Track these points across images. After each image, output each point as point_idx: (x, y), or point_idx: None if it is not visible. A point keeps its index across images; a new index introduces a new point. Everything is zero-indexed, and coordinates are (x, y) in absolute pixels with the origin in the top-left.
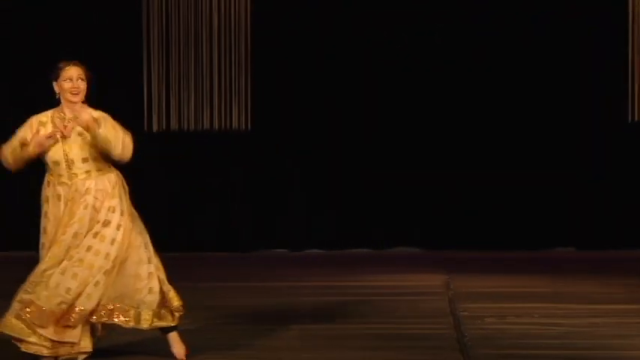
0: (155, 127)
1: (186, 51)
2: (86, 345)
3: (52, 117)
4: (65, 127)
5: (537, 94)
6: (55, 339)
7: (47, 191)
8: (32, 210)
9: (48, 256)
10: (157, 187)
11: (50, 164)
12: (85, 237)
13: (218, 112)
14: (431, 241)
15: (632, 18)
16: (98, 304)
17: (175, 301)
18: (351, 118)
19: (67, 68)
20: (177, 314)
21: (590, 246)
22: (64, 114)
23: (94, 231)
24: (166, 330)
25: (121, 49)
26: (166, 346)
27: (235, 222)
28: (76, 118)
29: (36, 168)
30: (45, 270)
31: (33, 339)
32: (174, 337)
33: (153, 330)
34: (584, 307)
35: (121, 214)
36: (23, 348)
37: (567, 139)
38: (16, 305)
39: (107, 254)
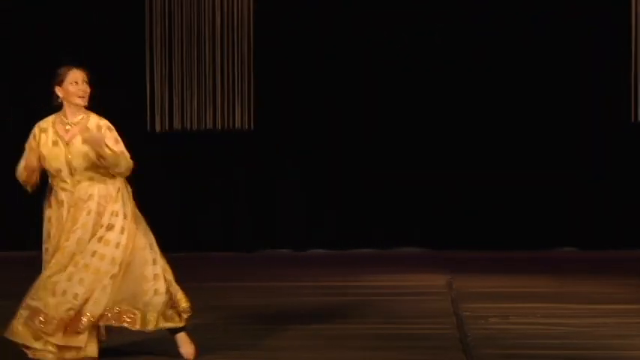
0: (158, 127)
1: (188, 51)
2: (92, 350)
3: (54, 122)
4: (67, 132)
5: (538, 94)
6: (61, 344)
7: (50, 197)
8: (32, 210)
9: (52, 263)
10: (159, 187)
11: (53, 172)
12: (88, 242)
13: (221, 112)
14: (433, 241)
15: (634, 18)
16: (105, 308)
17: (183, 302)
18: (354, 118)
19: (73, 72)
20: (184, 315)
21: (592, 246)
22: (67, 119)
23: (98, 235)
24: (174, 331)
25: (124, 49)
26: (173, 346)
27: (238, 222)
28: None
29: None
30: (49, 276)
31: (38, 345)
32: (182, 338)
33: (160, 330)
34: (586, 307)
35: (124, 217)
36: (30, 354)
37: (570, 139)
38: (22, 312)
39: (112, 258)
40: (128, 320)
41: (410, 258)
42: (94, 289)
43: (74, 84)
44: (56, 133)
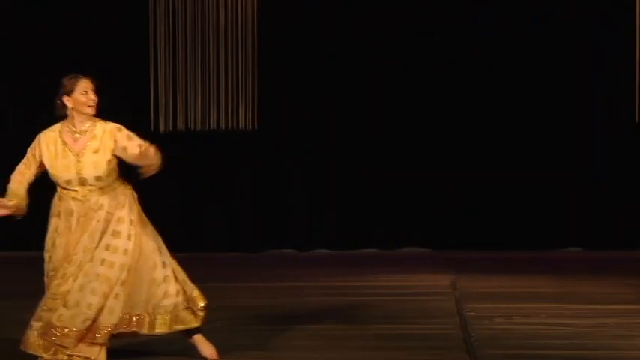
0: (162, 128)
1: (192, 51)
2: (102, 357)
3: (61, 132)
4: (76, 141)
5: (539, 94)
6: (73, 353)
7: (59, 206)
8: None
9: (61, 273)
10: (163, 188)
11: (62, 183)
12: (95, 250)
13: (225, 112)
14: (437, 241)
15: (638, 17)
16: (120, 316)
17: (199, 300)
18: (357, 119)
19: (83, 81)
20: (200, 314)
21: (596, 246)
22: (74, 127)
23: (105, 243)
24: (190, 332)
25: (128, 49)
26: (184, 346)
27: (242, 222)
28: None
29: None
30: (59, 285)
31: (48, 355)
32: (200, 340)
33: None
34: (590, 307)
35: (130, 223)
36: None
37: (571, 140)
38: (34, 323)
39: (121, 265)
40: (137, 325)
41: (412, 258)
42: (107, 297)
43: (84, 93)
44: (64, 143)
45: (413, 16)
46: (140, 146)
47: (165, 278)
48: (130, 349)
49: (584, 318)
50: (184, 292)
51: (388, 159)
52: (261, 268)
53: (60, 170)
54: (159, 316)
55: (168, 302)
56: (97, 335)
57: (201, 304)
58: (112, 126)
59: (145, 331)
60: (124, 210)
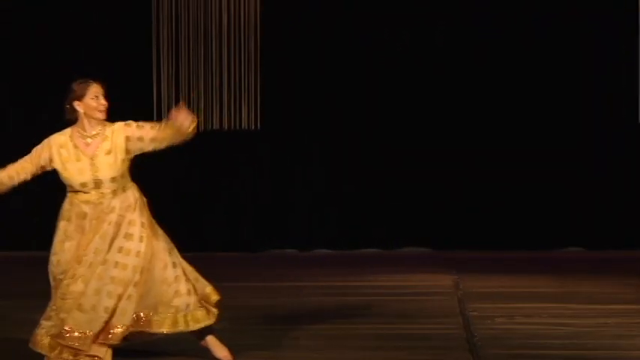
0: None
1: (195, 51)
2: (108, 357)
3: (72, 136)
4: (88, 145)
5: (541, 94)
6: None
7: (70, 210)
8: (32, 210)
9: (70, 274)
10: (165, 188)
11: (76, 186)
12: (108, 253)
13: (227, 112)
14: (440, 241)
15: None
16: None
17: (213, 295)
18: (359, 118)
19: (93, 86)
20: (214, 311)
21: (599, 246)
22: (85, 132)
23: (117, 246)
24: (204, 334)
25: (131, 49)
26: (192, 345)
27: (244, 222)
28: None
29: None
30: (68, 285)
31: (53, 354)
32: (213, 342)
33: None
34: (592, 307)
35: (142, 225)
36: None
37: (572, 140)
38: (44, 323)
39: (134, 267)
40: (148, 325)
41: (414, 258)
42: (120, 299)
43: (95, 98)
44: (76, 147)
45: (414, 16)
46: (153, 127)
47: (176, 278)
48: (133, 349)
49: (584, 318)
50: (196, 290)
51: (389, 159)
52: (261, 268)
53: (74, 173)
54: (170, 316)
55: (179, 302)
56: (109, 336)
57: (215, 298)
58: (119, 124)
59: (156, 330)
60: (134, 213)
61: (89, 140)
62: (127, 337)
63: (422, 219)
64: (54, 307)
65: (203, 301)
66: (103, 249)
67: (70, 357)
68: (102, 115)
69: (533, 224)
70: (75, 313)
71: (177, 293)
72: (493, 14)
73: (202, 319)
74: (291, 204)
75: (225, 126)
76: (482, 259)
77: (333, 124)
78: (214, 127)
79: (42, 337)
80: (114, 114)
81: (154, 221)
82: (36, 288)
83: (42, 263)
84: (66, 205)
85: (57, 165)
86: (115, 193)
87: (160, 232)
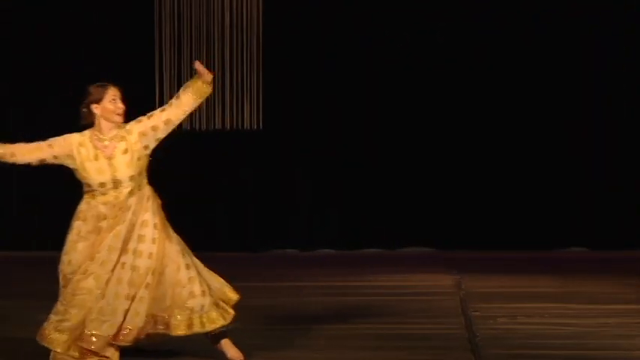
0: None
1: (197, 51)
2: (115, 357)
3: (90, 138)
4: (106, 147)
5: (543, 93)
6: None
7: (87, 211)
8: (32, 210)
9: (82, 269)
10: (167, 188)
11: (94, 186)
12: (121, 254)
13: (230, 112)
14: (442, 241)
15: None
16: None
17: (232, 295)
18: (361, 119)
19: (111, 89)
20: (230, 312)
21: (601, 246)
22: (102, 134)
23: (132, 248)
24: (218, 337)
25: (133, 49)
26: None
27: (246, 221)
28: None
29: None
30: (79, 281)
31: (61, 349)
32: (227, 344)
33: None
34: (594, 307)
35: (154, 227)
36: (50, 358)
37: (574, 140)
38: (53, 317)
39: (147, 268)
40: (162, 327)
41: (415, 258)
42: (132, 300)
43: (113, 101)
44: (95, 147)
45: (415, 15)
46: (164, 109)
47: (189, 279)
48: (141, 349)
49: (586, 318)
50: (211, 291)
51: (391, 159)
52: (261, 268)
53: (92, 173)
54: (185, 318)
55: (194, 303)
56: (120, 338)
57: (234, 297)
58: (130, 124)
59: (173, 333)
60: (147, 213)
61: (107, 142)
62: (140, 339)
63: (423, 219)
64: (64, 302)
65: (221, 301)
66: (117, 247)
67: (76, 354)
68: (119, 119)
69: (534, 224)
70: (100, 321)
71: (191, 294)
72: (493, 14)
73: (217, 319)
74: (292, 204)
75: (227, 126)
76: (484, 259)
77: (334, 124)
78: (216, 127)
79: (50, 332)
80: None
81: (167, 223)
82: (36, 288)
83: (42, 263)
84: (82, 205)
85: (76, 163)
86: (131, 192)
87: (173, 233)
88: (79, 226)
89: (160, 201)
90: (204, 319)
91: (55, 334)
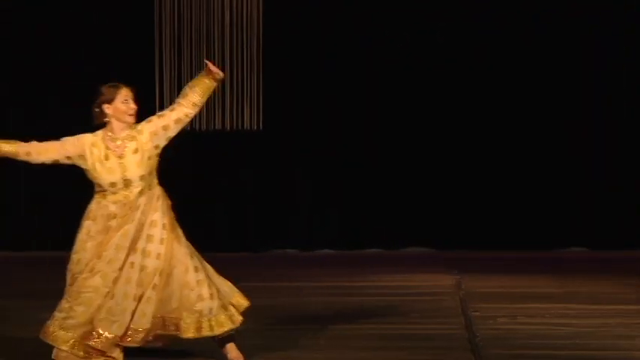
0: None
1: (197, 51)
2: (119, 357)
3: (103, 138)
4: (118, 147)
5: (543, 93)
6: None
7: (97, 210)
8: (32, 210)
9: (89, 267)
10: (166, 187)
11: (105, 186)
12: (129, 253)
13: (230, 113)
14: (441, 241)
15: None
16: (151, 320)
17: (242, 300)
18: (361, 119)
19: (123, 89)
20: (238, 317)
21: (601, 246)
22: (114, 134)
23: (140, 247)
24: (225, 340)
25: (133, 49)
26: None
27: (246, 222)
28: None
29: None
30: (85, 279)
31: (66, 347)
32: (231, 347)
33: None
34: (595, 307)
35: (163, 227)
36: (53, 356)
37: (575, 140)
38: (57, 315)
39: (154, 269)
40: (171, 328)
41: (415, 258)
42: (139, 301)
43: (125, 102)
44: (107, 147)
45: (415, 15)
46: (173, 108)
47: (198, 282)
48: (145, 350)
49: (586, 318)
50: (219, 295)
51: (391, 159)
52: (261, 268)
53: (103, 173)
54: (194, 321)
55: (202, 306)
56: (127, 339)
57: (244, 304)
58: (141, 124)
59: (183, 336)
60: (156, 213)
61: (119, 142)
62: (149, 340)
63: (423, 219)
64: (69, 300)
65: (231, 305)
66: (125, 246)
67: (81, 353)
68: (131, 119)
69: (534, 224)
70: (109, 321)
71: (199, 297)
72: (493, 14)
73: (226, 322)
74: (292, 204)
75: (227, 126)
76: (484, 259)
77: (334, 124)
78: (216, 128)
79: (54, 329)
80: None
81: (176, 224)
82: (36, 288)
83: (42, 263)
84: (93, 205)
85: (87, 163)
86: (142, 192)
87: (181, 234)
88: (88, 226)
89: (170, 202)
90: (213, 323)
91: (59, 332)
